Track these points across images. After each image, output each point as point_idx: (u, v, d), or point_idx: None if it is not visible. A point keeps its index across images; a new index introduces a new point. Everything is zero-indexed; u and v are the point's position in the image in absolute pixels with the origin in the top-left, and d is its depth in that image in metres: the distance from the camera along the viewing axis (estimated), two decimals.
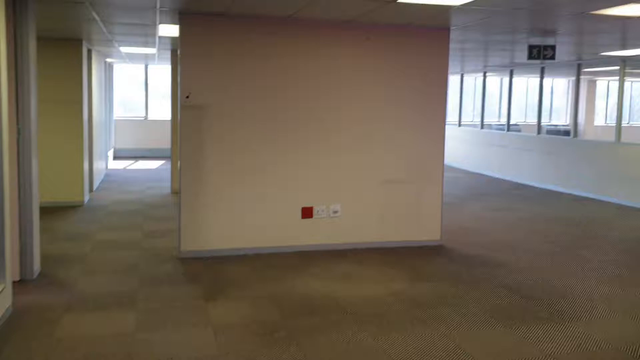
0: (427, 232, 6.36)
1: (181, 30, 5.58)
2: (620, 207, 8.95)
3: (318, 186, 5.99)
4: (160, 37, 7.90)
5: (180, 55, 5.61)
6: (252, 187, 5.82)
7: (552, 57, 7.08)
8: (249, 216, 5.84)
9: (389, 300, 4.62)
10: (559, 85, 18.47)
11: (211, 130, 5.67)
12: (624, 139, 9.64)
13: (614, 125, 17.89)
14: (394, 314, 4.32)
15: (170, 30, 6.89)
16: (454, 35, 6.49)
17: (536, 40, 7.16)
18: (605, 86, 18.27)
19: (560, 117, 18.74)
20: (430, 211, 6.34)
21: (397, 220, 6.25)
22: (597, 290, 4.95)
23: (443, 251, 6.18)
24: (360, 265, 5.55)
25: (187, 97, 5.60)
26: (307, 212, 5.96)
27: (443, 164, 6.37)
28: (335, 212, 6.03)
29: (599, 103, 18.11)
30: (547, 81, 11.68)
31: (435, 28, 6.11)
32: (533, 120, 17.12)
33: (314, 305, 4.48)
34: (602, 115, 18.37)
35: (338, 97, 5.96)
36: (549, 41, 7.13)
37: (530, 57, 7.04)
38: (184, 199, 5.69)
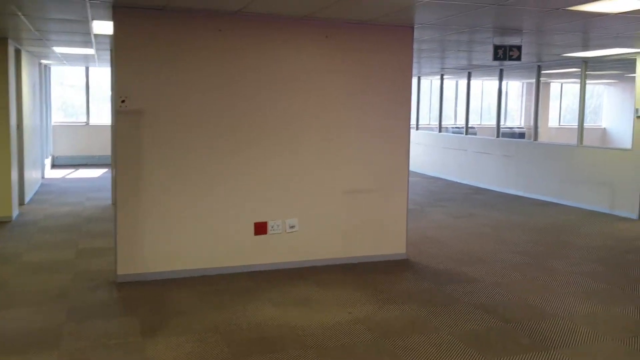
0: (391, 245, 5.89)
1: (115, 27, 4.94)
2: (583, 212, 8.74)
3: (273, 199, 5.43)
4: (96, 36, 7.18)
5: (115, 54, 4.96)
6: (198, 201, 5.21)
7: (518, 58, 6.75)
8: (194, 234, 5.23)
9: (354, 329, 4.10)
10: (512, 88, 18.50)
11: (151, 138, 5.04)
12: (575, 140, 9.47)
13: (568, 126, 18.12)
14: (361, 347, 3.80)
15: (106, 27, 6.20)
16: (415, 34, 6.06)
17: (502, 41, 6.82)
18: (558, 88, 18.41)
19: (514, 120, 18.77)
20: (395, 223, 5.87)
21: (359, 233, 5.75)
22: (578, 308, 4.57)
23: (409, 266, 5.72)
24: (320, 287, 5.02)
25: (123, 101, 4.95)
26: (260, 228, 5.39)
27: (408, 171, 5.91)
28: (292, 227, 5.49)
29: (551, 105, 18.22)
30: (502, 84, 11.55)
31: (398, 26, 5.66)
32: (488, 122, 17.07)
33: (270, 338, 3.92)
34: (555, 116, 18.50)
35: (294, 101, 5.42)
36: (515, 41, 6.80)
37: (495, 58, 6.69)
38: (120, 216, 5.03)
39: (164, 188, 5.11)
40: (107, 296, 4.74)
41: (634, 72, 8.41)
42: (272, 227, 5.42)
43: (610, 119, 18.45)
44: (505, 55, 6.71)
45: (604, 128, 18.50)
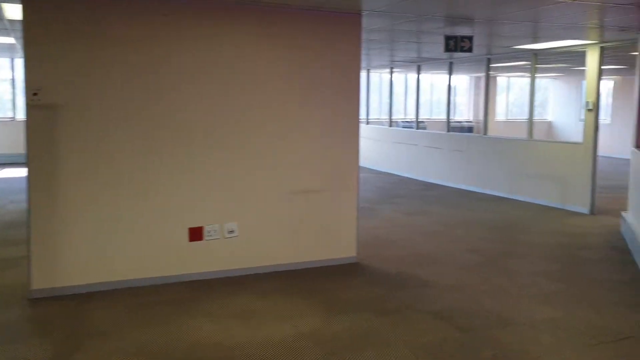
0: (341, 248, 5.49)
1: (25, 10, 4.32)
2: (535, 207, 8.60)
3: (209, 201, 4.93)
4: (12, 22, 6.48)
5: (24, 40, 4.35)
6: (125, 205, 4.66)
7: (470, 50, 6.48)
8: (122, 241, 4.68)
9: (299, 345, 3.67)
10: (460, 82, 18.49)
11: (69, 135, 4.46)
12: (523, 134, 9.37)
13: (515, 120, 18.24)
14: None
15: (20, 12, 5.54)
16: (363, 23, 5.67)
17: (453, 31, 6.53)
18: (505, 82, 18.51)
19: (462, 114, 18.78)
20: (344, 224, 5.48)
21: (306, 237, 5.33)
22: (538, 313, 4.29)
23: (360, 270, 5.34)
24: (263, 298, 4.57)
25: (35, 94, 4.35)
26: (195, 234, 4.89)
27: (358, 169, 5.53)
28: (231, 231, 5.01)
29: (498, 98, 18.32)
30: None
31: (345, 12, 5.24)
32: (438, 117, 16.97)
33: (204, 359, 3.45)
34: (502, 110, 18.62)
35: (232, 95, 4.94)
36: (466, 32, 6.52)
37: (447, 49, 6.40)
38: (34, 222, 4.44)
39: (86, 190, 4.54)
40: (18, 315, 4.15)
41: (582, 65, 8.31)
42: (209, 232, 4.92)
43: (556, 112, 18.70)
44: (457, 47, 6.43)
45: (550, 121, 18.75)
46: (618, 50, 8.83)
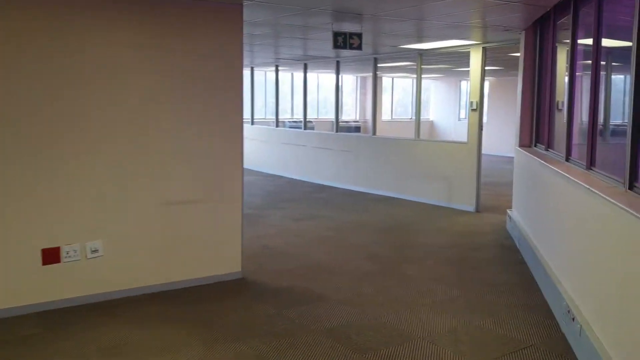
0: (224, 264, 4.96)
1: None
2: (424, 207, 8.57)
3: (66, 217, 4.20)
4: None
5: None
6: None
7: (359, 47, 6.22)
8: None
9: None
10: (346, 82, 18.54)
11: None
12: (407, 134, 9.39)
13: (400, 120, 18.60)
14: None
15: None
16: (245, 16, 5.18)
17: (341, 27, 6.23)
18: (389, 82, 18.83)
19: (349, 114, 18.85)
20: (228, 236, 4.95)
21: (183, 253, 4.74)
22: (437, 325, 4.04)
23: (246, 288, 4.85)
24: (135, 326, 3.94)
25: None
26: (50, 256, 4.13)
27: (242, 175, 5.02)
28: (95, 251, 4.31)
29: (383, 98, 18.59)
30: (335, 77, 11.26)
31: (225, 3, 4.71)
32: (325, 116, 16.87)
33: None
34: (387, 110, 18.93)
35: (93, 95, 4.23)
36: (355, 28, 6.24)
37: (335, 45, 6.10)
38: None
39: None
40: None
41: (462, 66, 8.41)
42: (68, 253, 4.19)
43: (437, 112, 19.32)
44: (346, 44, 6.13)
45: (432, 121, 19.33)
46: (495, 52, 9.06)
